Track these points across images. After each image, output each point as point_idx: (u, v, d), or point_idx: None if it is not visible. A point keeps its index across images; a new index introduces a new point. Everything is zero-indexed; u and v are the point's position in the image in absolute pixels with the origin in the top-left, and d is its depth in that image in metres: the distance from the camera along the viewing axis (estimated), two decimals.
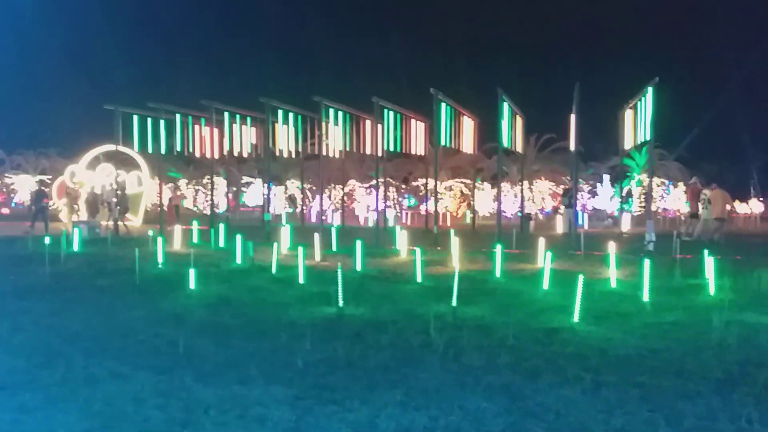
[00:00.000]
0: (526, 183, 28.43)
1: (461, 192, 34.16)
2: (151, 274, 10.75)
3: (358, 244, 11.64)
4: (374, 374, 5.27)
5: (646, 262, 8.59)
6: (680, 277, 10.48)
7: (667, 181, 31.42)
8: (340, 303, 7.94)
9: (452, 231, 14.47)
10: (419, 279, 10.16)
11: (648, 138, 15.15)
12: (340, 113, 20.59)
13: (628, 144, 18.42)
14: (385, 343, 6.28)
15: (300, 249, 10.42)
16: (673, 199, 30.49)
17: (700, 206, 18.74)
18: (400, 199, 35.24)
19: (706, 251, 9.56)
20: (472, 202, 28.50)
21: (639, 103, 15.85)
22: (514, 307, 8.09)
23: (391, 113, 20.36)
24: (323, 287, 9.08)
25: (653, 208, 21.46)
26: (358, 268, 11.38)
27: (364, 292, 9.15)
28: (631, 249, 13.96)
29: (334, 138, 20.71)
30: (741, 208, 31.96)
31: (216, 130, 21.70)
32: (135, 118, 21.44)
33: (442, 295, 8.68)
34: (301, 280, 9.98)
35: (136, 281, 10.07)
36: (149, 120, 21.33)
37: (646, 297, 8.40)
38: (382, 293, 9.06)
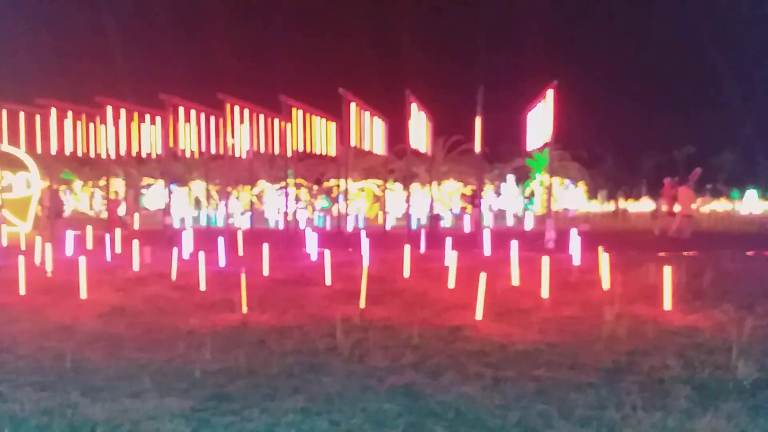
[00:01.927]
0: (435, 184, 29.05)
1: (373, 193, 34.34)
2: (38, 284, 9.99)
3: (265, 247, 11.38)
4: (276, 381, 5.14)
5: (543, 259, 8.94)
6: (577, 272, 11.02)
7: (567, 181, 33.10)
8: (244, 309, 7.71)
9: (363, 232, 14.49)
10: (328, 282, 10.06)
11: (548, 139, 15.86)
12: (246, 111, 20.11)
13: (530, 145, 19.20)
14: (290, 348, 6.15)
15: (202, 254, 10.04)
16: (574, 198, 32.20)
17: (676, 204, 19.80)
18: (312, 200, 34.95)
19: (600, 248, 10.07)
20: (384, 203, 28.74)
21: (539, 105, 16.57)
22: (420, 307, 8.18)
23: (300, 112, 20.15)
24: (226, 293, 8.78)
25: (554, 207, 22.56)
26: (266, 272, 11.12)
27: (270, 297, 8.95)
28: (533, 246, 14.52)
29: (241, 137, 20.20)
30: (632, 206, 34.30)
31: (113, 129, 20.57)
32: (21, 114, 19.93)
33: (350, 297, 8.63)
34: (202, 287, 9.61)
35: (21, 292, 9.33)
36: (38, 117, 19.88)
37: (544, 293, 8.75)
38: (289, 297, 8.89)
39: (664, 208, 21.76)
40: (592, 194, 36.97)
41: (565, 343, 6.32)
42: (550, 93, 15.46)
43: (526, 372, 5.36)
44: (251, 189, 25.47)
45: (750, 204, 35.70)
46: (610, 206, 35.39)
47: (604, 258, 9.69)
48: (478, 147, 18.21)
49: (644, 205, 32.32)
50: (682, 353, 5.86)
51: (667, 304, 7.78)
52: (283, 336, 6.64)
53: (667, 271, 7.83)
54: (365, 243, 12.71)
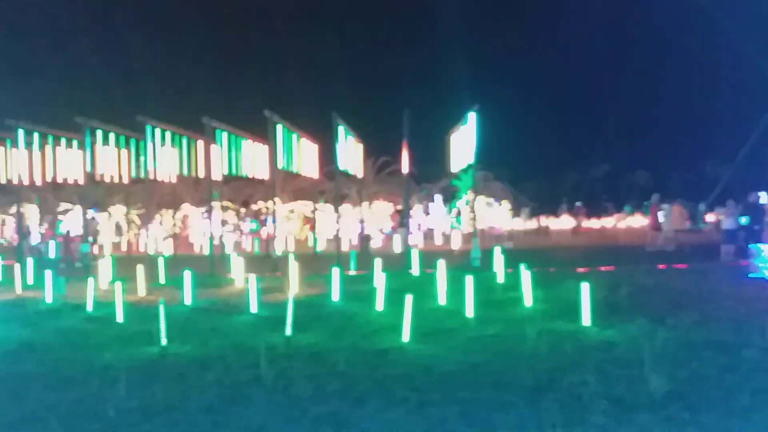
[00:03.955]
0: (366, 204, 29.12)
1: (304, 215, 34.03)
2: None
3: (188, 274, 11.00)
4: (196, 417, 4.95)
5: (469, 279, 9.08)
6: (501, 290, 11.27)
7: (492, 200, 33.95)
8: (164, 341, 7.39)
9: (292, 255, 14.29)
10: (254, 309, 9.82)
11: (472, 161, 16.27)
12: (168, 134, 19.55)
13: (455, 166, 19.62)
14: (211, 381, 5.94)
15: (119, 283, 9.59)
16: (498, 216, 33.01)
17: (662, 220, 20.63)
18: (240, 223, 34.19)
19: (522, 266, 10.34)
20: (314, 225, 28.52)
21: (462, 128, 17.02)
22: (347, 331, 8.13)
23: (225, 134, 19.79)
24: (145, 325, 8.40)
25: (479, 225, 23.07)
26: (188, 301, 10.74)
27: (192, 327, 8.64)
28: (460, 265, 14.74)
29: (163, 160, 19.58)
30: (553, 223, 35.60)
31: (26, 153, 19.49)
32: None
33: (277, 324, 8.44)
34: (120, 319, 9.17)
35: None
36: None
37: (469, 312, 8.87)
38: (212, 327, 8.61)
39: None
40: (516, 212, 38.12)
41: (489, 363, 6.42)
42: (471, 116, 15.92)
43: (451, 394, 5.39)
44: (175, 213, 24.70)
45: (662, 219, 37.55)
46: (532, 224, 36.55)
47: (526, 275, 9.96)
48: (405, 168, 18.46)
49: (564, 222, 33.65)
50: (600, 368, 6.05)
51: (586, 319, 8.05)
52: (204, 368, 6.41)
53: (585, 287, 8.11)
54: (294, 266, 12.55)
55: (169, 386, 5.78)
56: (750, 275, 12.37)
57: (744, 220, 15.84)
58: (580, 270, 13.94)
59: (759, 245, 12.71)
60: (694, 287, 11.20)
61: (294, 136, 19.94)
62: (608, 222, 40.38)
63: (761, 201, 17.53)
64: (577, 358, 6.47)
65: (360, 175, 24.80)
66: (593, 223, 38.89)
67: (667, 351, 6.58)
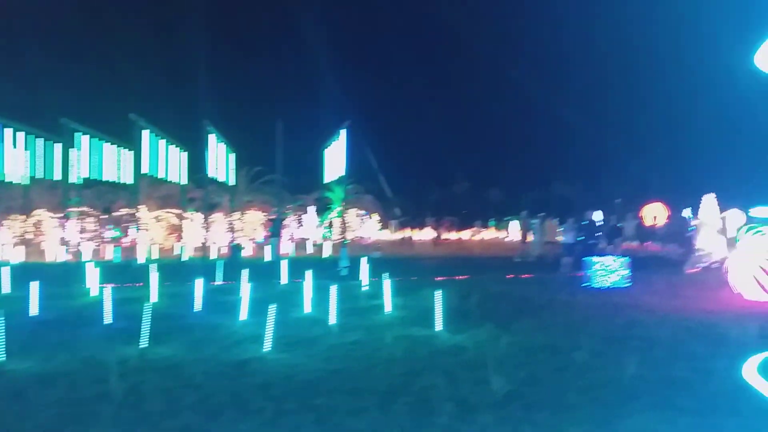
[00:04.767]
0: (238, 213, 28.52)
1: (171, 222, 32.63)
2: None
3: (35, 284, 10.20)
4: None
5: (333, 288, 9.27)
6: (365, 298, 11.58)
7: (362, 212, 34.76)
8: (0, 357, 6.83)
9: (154, 264, 13.67)
10: (108, 320, 9.31)
11: (343, 173, 16.61)
12: (21, 134, 18.08)
13: (328, 178, 19.91)
14: (52, 399, 5.57)
15: None
16: (368, 228, 33.88)
17: (530, 234, 22.19)
18: (100, 230, 32.09)
19: (385, 275, 10.71)
20: (181, 233, 27.43)
21: (335, 142, 17.36)
22: (207, 342, 7.96)
23: (86, 137, 18.65)
24: None
25: (349, 236, 23.49)
26: (34, 312, 9.96)
27: (36, 341, 8.03)
28: (328, 274, 14.91)
29: (13, 161, 18.04)
30: (417, 234, 37.32)
31: None
32: None
33: (132, 336, 8.07)
34: None
35: None
36: None
37: (332, 320, 9.05)
38: (59, 341, 8.05)
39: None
40: (384, 224, 39.45)
41: (347, 369, 6.60)
42: (343, 132, 16.35)
43: (308, 402, 5.48)
44: (26, 218, 22.71)
45: (513, 233, 40.09)
46: (399, 235, 37.95)
47: (387, 284, 10.34)
48: (277, 179, 18.43)
49: (427, 233, 35.39)
50: (449, 371, 6.44)
51: (439, 325, 8.52)
52: (45, 385, 6.00)
53: (438, 295, 8.59)
54: (155, 276, 12.06)
55: (1, 407, 5.37)
56: (584, 284, 13.74)
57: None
58: (439, 278, 14.66)
59: (592, 258, 14.14)
60: (536, 295, 12.21)
61: (162, 142, 19.22)
62: (465, 234, 43.04)
63: (595, 219, 19.50)
64: (428, 363, 6.83)
65: (231, 183, 24.34)
66: (452, 235, 41.20)
67: (510, 354, 7.15)
